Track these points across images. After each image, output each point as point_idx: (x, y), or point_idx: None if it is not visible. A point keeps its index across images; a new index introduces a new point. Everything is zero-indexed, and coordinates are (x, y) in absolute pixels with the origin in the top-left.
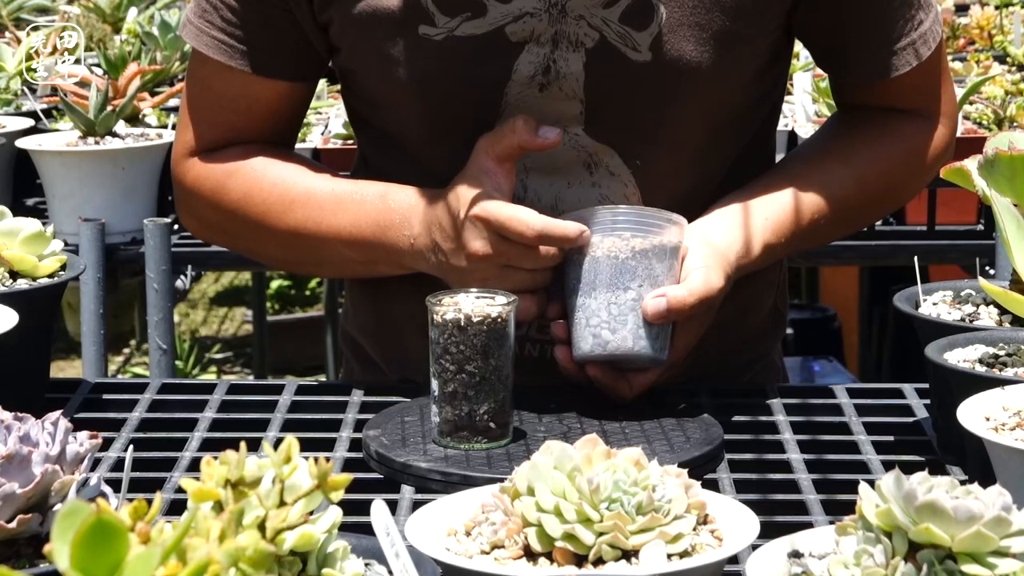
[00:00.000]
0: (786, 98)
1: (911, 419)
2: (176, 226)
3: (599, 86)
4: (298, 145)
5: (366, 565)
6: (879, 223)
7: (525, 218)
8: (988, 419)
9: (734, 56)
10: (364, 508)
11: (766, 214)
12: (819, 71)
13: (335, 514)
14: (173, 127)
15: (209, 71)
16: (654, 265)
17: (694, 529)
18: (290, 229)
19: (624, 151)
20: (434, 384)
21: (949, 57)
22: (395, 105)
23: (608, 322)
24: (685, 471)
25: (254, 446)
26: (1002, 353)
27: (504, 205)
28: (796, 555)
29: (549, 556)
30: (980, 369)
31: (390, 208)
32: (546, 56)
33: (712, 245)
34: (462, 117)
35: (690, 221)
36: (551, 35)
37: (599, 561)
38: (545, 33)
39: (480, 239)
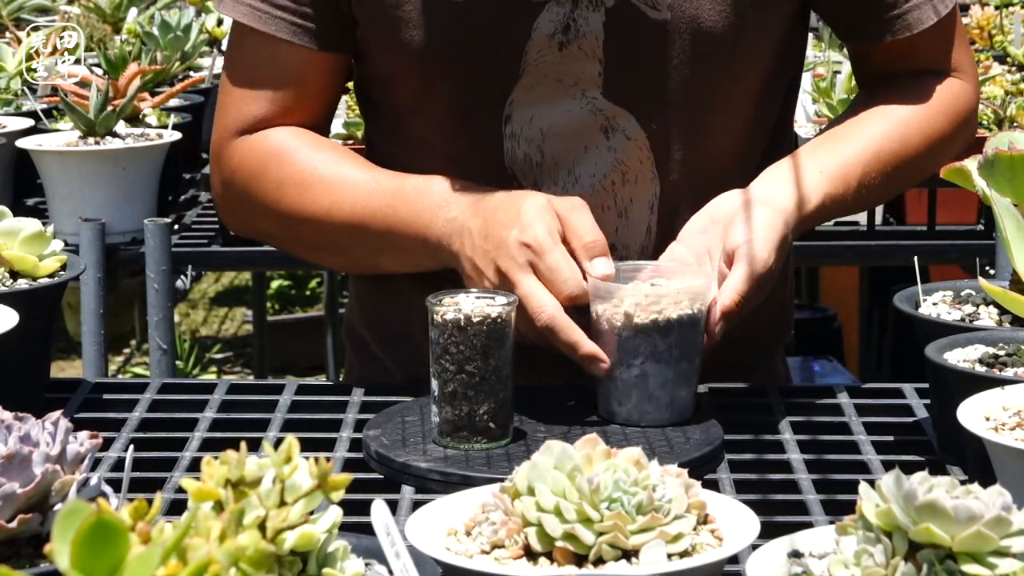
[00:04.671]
0: None
1: (911, 419)
2: (176, 226)
3: (618, 45)
4: None
5: (366, 565)
6: (879, 223)
7: (545, 298)
8: (988, 419)
9: (752, 19)
10: (364, 508)
11: (820, 167)
12: (819, 71)
13: (335, 514)
14: (174, 127)
15: (246, 42)
16: (657, 342)
17: (694, 529)
18: (324, 211)
19: (641, 114)
20: (434, 384)
21: None
22: (411, 74)
23: (614, 394)
24: (685, 471)
25: (254, 446)
26: (1002, 353)
27: (561, 256)
28: (796, 555)
29: (549, 556)
30: (980, 369)
31: (431, 191)
32: (566, 15)
33: (764, 202)
34: (480, 81)
35: (708, 198)
36: None
37: (599, 561)
38: None
39: (518, 263)
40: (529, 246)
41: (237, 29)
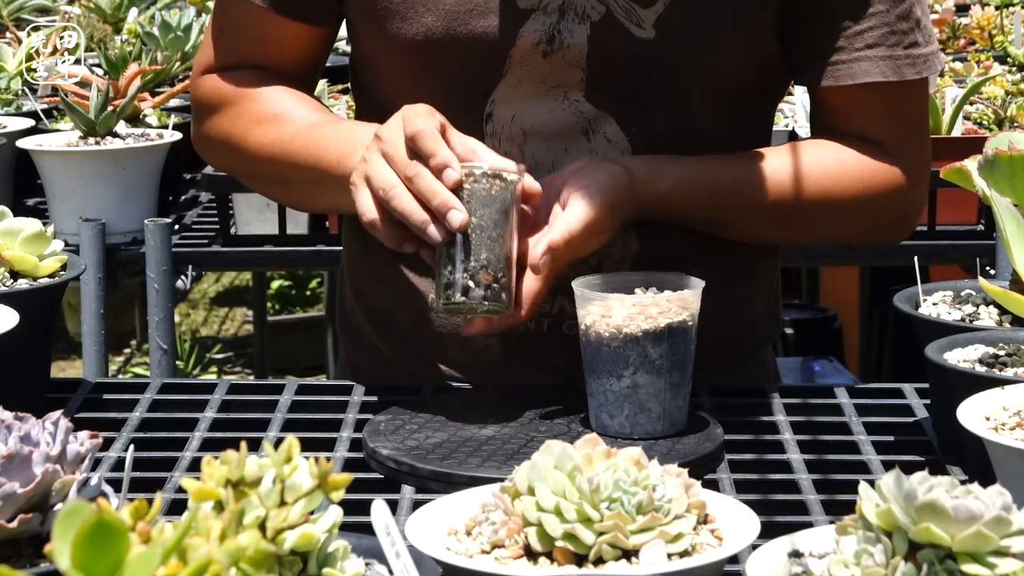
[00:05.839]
0: (786, 98)
1: (911, 419)
2: (176, 226)
3: (601, 59)
4: None
5: (366, 565)
6: None
7: (415, 120)
8: (988, 419)
9: (737, 37)
10: (364, 508)
11: (688, 161)
12: None
13: (335, 514)
14: (174, 127)
15: (231, 1)
16: (648, 351)
17: (694, 529)
18: (269, 143)
19: (622, 119)
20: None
21: (949, 57)
22: (398, 65)
23: (605, 407)
24: (685, 471)
25: (254, 446)
26: (1002, 353)
27: (421, 115)
28: (796, 555)
29: (549, 556)
30: (980, 369)
31: (361, 130)
32: (552, 26)
33: (616, 162)
34: (463, 78)
35: None
36: (558, 5)
37: (599, 561)
38: (553, 3)
39: (368, 153)
40: (379, 137)
41: None
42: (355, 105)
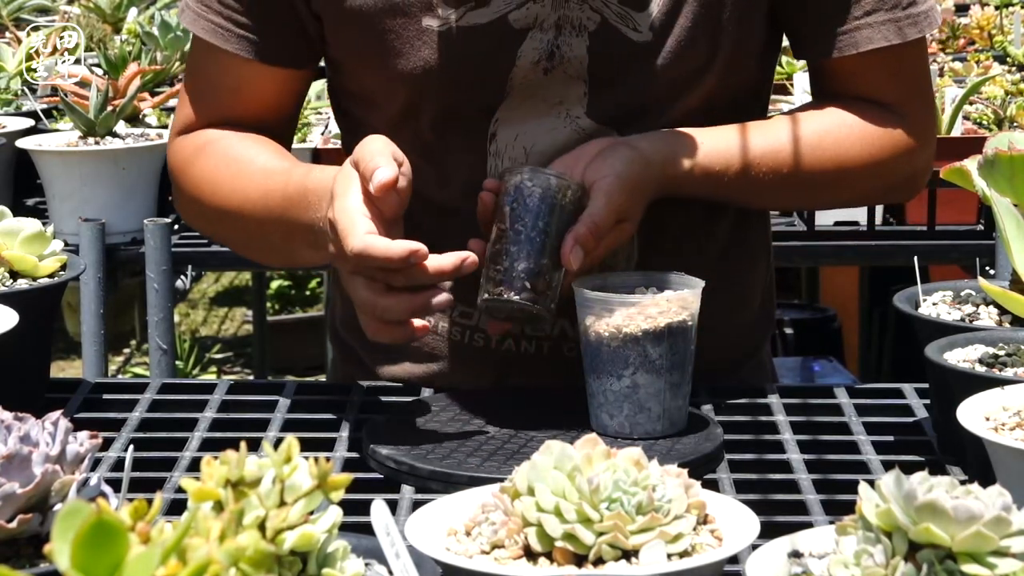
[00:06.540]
0: (786, 98)
1: (911, 419)
2: (176, 226)
3: (602, 67)
4: (298, 145)
5: (366, 565)
6: (879, 223)
7: (352, 234)
8: (988, 419)
9: (732, 34)
10: (364, 508)
11: (703, 139)
12: None
13: (335, 514)
14: None
15: (204, 55)
16: (648, 351)
17: (694, 529)
18: (230, 205)
19: (624, 130)
20: (488, 252)
21: (949, 57)
22: (394, 97)
23: (605, 406)
24: (685, 471)
25: (254, 446)
26: (1002, 353)
27: (345, 213)
28: (796, 555)
29: (549, 556)
30: (980, 369)
31: (307, 188)
32: (550, 42)
33: (631, 147)
34: (466, 104)
35: (691, 208)
36: (554, 20)
37: (599, 561)
38: (548, 19)
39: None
40: (338, 267)
41: (193, 36)
42: (340, 130)
